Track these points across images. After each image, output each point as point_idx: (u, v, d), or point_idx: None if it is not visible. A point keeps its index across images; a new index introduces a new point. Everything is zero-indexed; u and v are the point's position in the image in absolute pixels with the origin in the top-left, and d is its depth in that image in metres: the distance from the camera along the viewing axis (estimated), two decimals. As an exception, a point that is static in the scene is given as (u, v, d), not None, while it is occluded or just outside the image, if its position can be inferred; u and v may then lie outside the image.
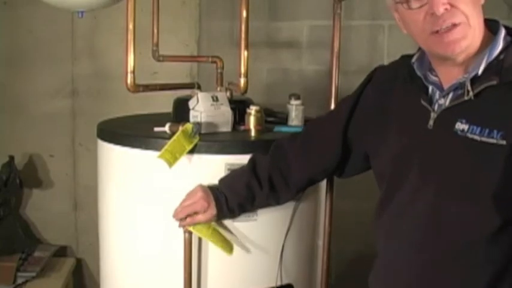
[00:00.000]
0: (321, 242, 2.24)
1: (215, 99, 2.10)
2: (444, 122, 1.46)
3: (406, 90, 1.57)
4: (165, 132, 2.03)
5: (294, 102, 2.27)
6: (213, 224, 1.93)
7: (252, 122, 2.10)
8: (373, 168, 1.76)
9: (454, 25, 1.40)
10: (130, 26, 2.19)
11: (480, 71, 1.41)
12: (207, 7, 3.52)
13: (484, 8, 1.44)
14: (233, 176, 1.94)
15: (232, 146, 2.00)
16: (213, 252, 2.01)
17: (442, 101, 1.49)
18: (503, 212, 1.38)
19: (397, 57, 1.73)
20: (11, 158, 3.46)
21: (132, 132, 2.15)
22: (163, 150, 1.88)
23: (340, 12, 2.18)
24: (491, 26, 1.47)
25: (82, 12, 2.38)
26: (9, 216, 3.48)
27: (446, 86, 1.49)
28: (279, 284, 2.07)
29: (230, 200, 1.91)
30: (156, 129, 2.08)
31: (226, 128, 2.12)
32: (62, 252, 3.68)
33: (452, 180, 1.44)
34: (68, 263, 3.56)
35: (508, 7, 2.86)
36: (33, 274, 3.27)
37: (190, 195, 1.91)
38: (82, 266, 3.73)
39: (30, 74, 3.53)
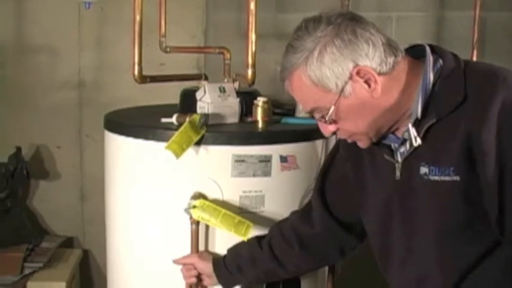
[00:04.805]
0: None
1: (222, 90, 2.10)
2: (409, 169, 1.47)
3: (371, 151, 1.57)
4: (172, 123, 2.03)
5: (301, 94, 2.26)
6: (224, 210, 1.92)
7: (259, 113, 2.10)
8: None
9: (350, 136, 1.51)
10: (137, 18, 2.19)
11: (419, 115, 1.41)
12: (214, -2, 3.51)
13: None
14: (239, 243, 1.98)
15: (239, 137, 2.00)
16: (219, 243, 2.02)
17: (402, 149, 1.50)
18: (474, 249, 1.43)
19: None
20: (18, 149, 3.46)
21: (139, 123, 2.15)
22: (170, 141, 1.88)
23: (348, 4, 2.18)
24: (418, 54, 1.47)
25: (89, 3, 2.38)
26: (16, 207, 3.48)
27: (400, 135, 1.49)
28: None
29: (228, 257, 1.96)
30: (163, 120, 2.08)
31: (234, 119, 2.12)
32: (68, 243, 3.68)
33: (429, 225, 1.46)
34: (75, 254, 3.56)
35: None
36: (40, 265, 3.28)
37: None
38: (89, 257, 3.73)
39: (37, 66, 3.53)
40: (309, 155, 2.09)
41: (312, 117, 1.53)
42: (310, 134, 2.07)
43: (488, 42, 2.99)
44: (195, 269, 1.99)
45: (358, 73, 1.38)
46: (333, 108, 1.42)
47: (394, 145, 1.51)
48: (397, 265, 1.58)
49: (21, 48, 3.52)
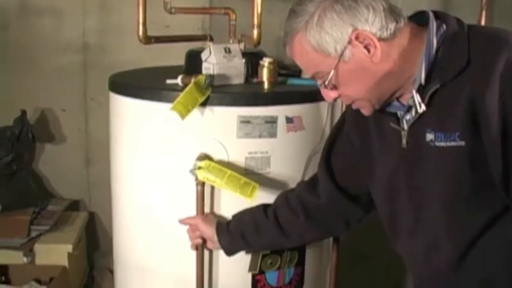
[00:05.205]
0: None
1: (228, 51, 2.08)
2: (415, 136, 1.46)
3: (377, 119, 1.57)
4: (177, 84, 2.01)
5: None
6: (229, 171, 1.92)
7: (265, 74, 2.08)
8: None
9: (352, 102, 1.51)
10: (142, -22, 2.17)
11: (423, 80, 1.40)
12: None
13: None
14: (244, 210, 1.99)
15: (245, 98, 1.99)
16: (225, 204, 2.02)
17: (408, 117, 1.49)
18: (482, 216, 1.42)
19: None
20: (23, 112, 3.45)
21: (144, 84, 2.14)
22: (175, 102, 1.86)
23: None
24: (422, 21, 1.46)
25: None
26: (22, 171, 3.49)
27: (405, 102, 1.48)
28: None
29: (232, 223, 1.97)
30: (169, 81, 2.06)
31: (239, 80, 2.10)
32: (74, 206, 3.70)
33: (436, 192, 1.46)
34: (81, 217, 3.58)
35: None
36: (47, 227, 3.30)
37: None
38: (95, 219, 3.76)
39: (41, 28, 3.51)
40: (315, 116, 2.08)
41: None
42: (316, 95, 2.03)
43: (496, 5, 2.95)
44: (199, 230, 1.99)
45: (357, 38, 1.37)
46: (332, 72, 1.42)
47: (399, 113, 1.50)
48: (405, 234, 1.59)
49: (24, 11, 3.49)
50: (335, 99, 1.52)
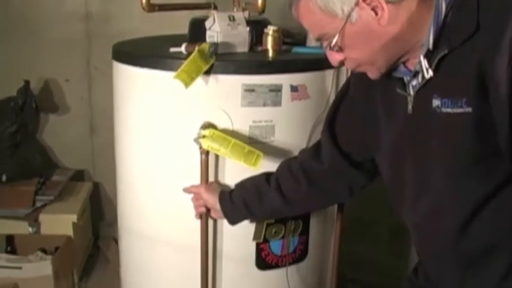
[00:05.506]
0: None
1: (232, 19, 2.06)
2: (421, 102, 1.44)
3: (383, 85, 1.55)
4: (181, 52, 2.00)
5: (312, 23, 2.22)
6: (233, 140, 1.91)
7: (269, 42, 2.07)
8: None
9: (357, 66, 1.48)
10: None
11: (430, 46, 1.38)
12: None
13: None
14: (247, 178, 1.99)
15: (249, 66, 1.97)
16: (229, 173, 2.02)
17: (414, 82, 1.47)
18: (488, 183, 1.41)
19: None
20: (27, 82, 3.45)
21: (148, 52, 2.13)
22: (179, 70, 1.85)
23: None
24: None
25: None
26: (26, 141, 3.51)
27: (412, 67, 1.46)
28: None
29: (235, 192, 1.97)
30: (172, 49, 2.05)
31: (243, 48, 2.08)
32: (79, 176, 3.72)
33: (442, 159, 1.44)
34: (85, 187, 3.60)
35: None
36: (51, 198, 3.32)
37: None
38: (99, 189, 3.77)
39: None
40: (320, 84, 2.07)
41: (322, 45, 1.50)
42: (321, 63, 2.04)
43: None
44: (202, 198, 2.00)
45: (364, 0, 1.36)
46: (338, 34, 1.40)
47: (406, 78, 1.49)
48: (409, 202, 1.58)
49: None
50: (340, 63, 1.49)
